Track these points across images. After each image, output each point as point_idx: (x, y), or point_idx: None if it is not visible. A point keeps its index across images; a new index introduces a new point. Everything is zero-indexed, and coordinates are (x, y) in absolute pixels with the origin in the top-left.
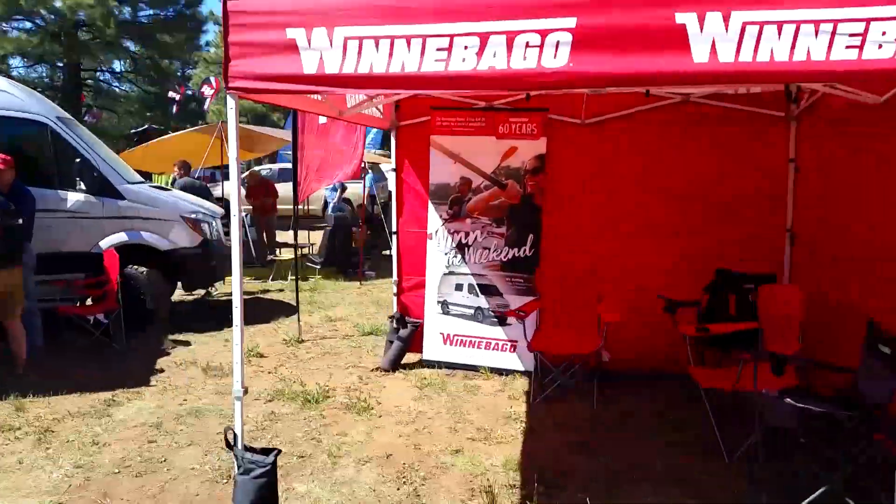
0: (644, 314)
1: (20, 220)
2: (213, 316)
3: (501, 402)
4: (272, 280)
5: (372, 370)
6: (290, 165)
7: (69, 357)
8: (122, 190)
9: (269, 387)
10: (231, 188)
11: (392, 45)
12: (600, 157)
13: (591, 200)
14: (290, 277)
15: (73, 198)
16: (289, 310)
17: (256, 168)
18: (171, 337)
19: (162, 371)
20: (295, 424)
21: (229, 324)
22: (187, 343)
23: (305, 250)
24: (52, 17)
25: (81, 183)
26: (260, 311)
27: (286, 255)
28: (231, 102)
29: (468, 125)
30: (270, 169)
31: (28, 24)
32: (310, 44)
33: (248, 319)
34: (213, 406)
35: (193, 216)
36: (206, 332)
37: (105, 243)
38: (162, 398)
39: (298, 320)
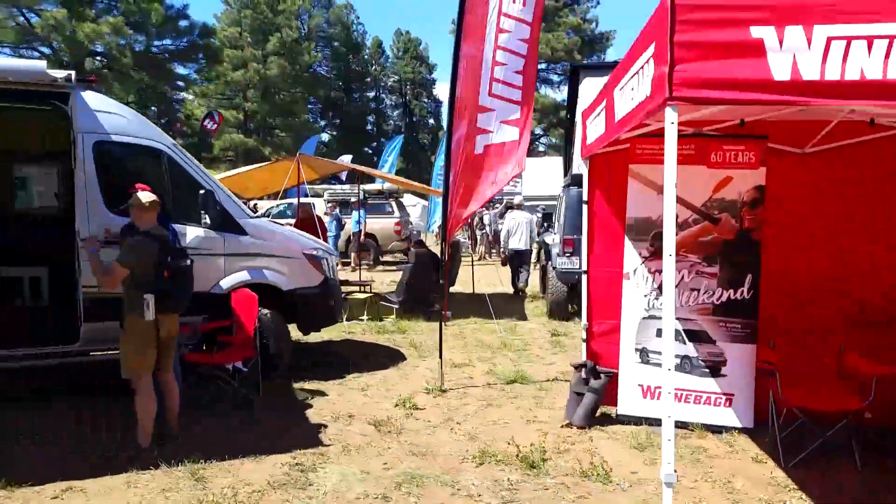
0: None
1: (189, 261)
2: (312, 359)
3: (747, 466)
4: (347, 320)
5: (562, 426)
6: (308, 200)
7: (209, 411)
8: (244, 224)
9: (464, 447)
10: (666, 220)
11: (890, 46)
12: (824, 190)
13: (816, 236)
14: (364, 316)
15: (193, 233)
16: (396, 355)
17: (264, 202)
18: (294, 384)
19: (325, 427)
20: (543, 495)
21: (344, 369)
22: (321, 393)
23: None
24: (64, 45)
25: (206, 216)
26: (363, 353)
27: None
28: (671, 115)
29: None
30: (290, 203)
31: (36, 53)
32: (781, 45)
33: (363, 365)
34: (424, 472)
35: (314, 253)
36: (327, 378)
37: (226, 283)
38: (355, 461)
39: (441, 367)
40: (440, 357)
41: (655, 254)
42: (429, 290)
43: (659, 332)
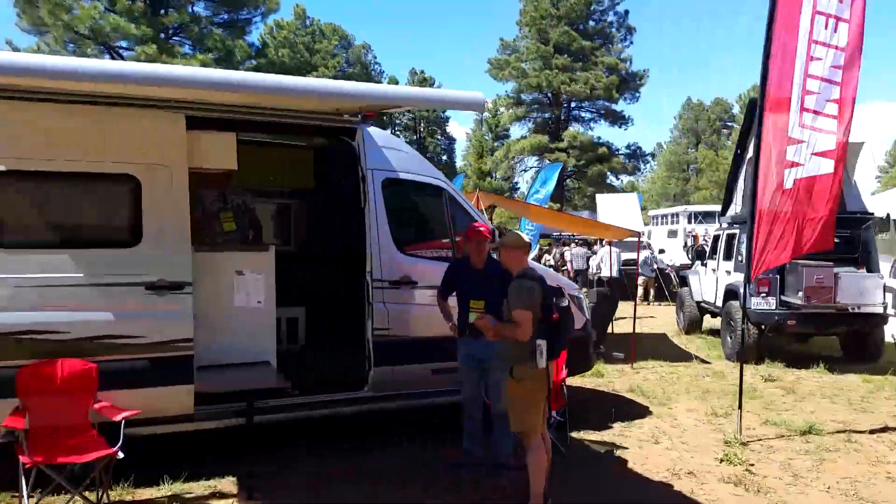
0: None
1: (567, 301)
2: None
3: None
4: None
5: None
6: None
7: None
8: None
9: None
10: None
11: None
12: None
13: None
14: None
15: None
16: (625, 401)
17: None
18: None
19: (670, 486)
20: None
21: (603, 417)
22: (615, 445)
23: None
24: None
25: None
26: (595, 401)
27: None
28: None
29: None
30: None
31: None
32: None
33: (612, 414)
34: None
35: (577, 294)
36: (592, 428)
37: None
38: None
39: (739, 418)
40: (739, 408)
41: None
42: (604, 329)
43: None
